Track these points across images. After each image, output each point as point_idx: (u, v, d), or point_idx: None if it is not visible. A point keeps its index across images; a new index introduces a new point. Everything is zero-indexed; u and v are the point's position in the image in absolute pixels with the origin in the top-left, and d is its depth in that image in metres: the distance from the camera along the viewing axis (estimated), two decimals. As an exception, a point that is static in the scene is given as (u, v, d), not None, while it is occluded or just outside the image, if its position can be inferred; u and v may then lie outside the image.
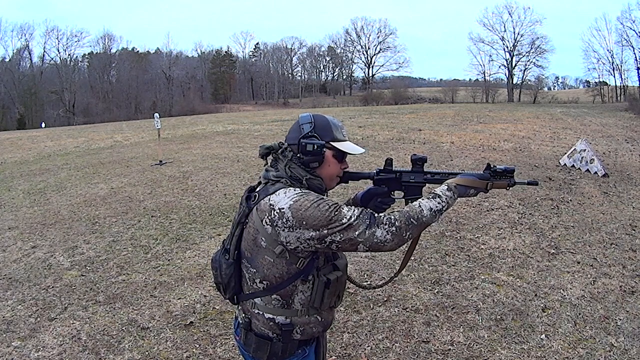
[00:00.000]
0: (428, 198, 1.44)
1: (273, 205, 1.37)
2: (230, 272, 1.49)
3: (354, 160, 9.08)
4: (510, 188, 1.61)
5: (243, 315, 1.52)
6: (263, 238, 1.40)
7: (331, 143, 1.49)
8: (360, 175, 1.67)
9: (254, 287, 1.47)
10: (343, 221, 1.33)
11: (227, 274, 1.50)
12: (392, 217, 1.37)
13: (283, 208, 1.35)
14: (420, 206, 1.41)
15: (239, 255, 1.49)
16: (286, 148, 1.49)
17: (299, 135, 1.47)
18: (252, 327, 1.49)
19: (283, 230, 1.35)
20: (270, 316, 1.45)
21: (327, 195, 1.52)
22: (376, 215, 1.38)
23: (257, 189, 1.48)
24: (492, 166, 1.59)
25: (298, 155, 1.46)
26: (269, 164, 1.53)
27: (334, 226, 1.32)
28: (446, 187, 1.49)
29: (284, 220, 1.34)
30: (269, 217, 1.37)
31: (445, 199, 1.45)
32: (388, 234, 1.34)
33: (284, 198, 1.37)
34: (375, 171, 1.67)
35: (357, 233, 1.33)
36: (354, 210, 1.36)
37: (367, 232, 1.33)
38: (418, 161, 1.64)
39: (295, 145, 1.47)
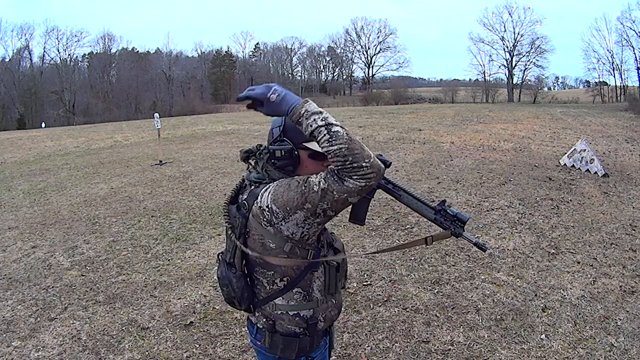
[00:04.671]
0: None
1: (262, 207, 1.38)
2: (242, 284, 1.50)
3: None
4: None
5: (264, 320, 1.51)
6: (270, 240, 1.40)
7: (304, 144, 1.42)
8: None
9: (273, 289, 1.48)
10: (314, 189, 1.29)
11: (239, 287, 1.50)
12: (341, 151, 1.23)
13: (269, 204, 1.37)
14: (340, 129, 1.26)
15: (248, 264, 1.51)
16: (263, 150, 1.48)
17: (271, 139, 1.47)
18: (276, 328, 1.49)
19: (280, 224, 1.36)
20: (295, 312, 1.48)
21: None
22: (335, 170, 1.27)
23: (245, 197, 1.46)
24: (446, 204, 1.48)
25: (272, 160, 1.44)
26: (252, 165, 1.53)
27: (312, 197, 1.29)
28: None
29: (275, 214, 1.36)
30: (265, 219, 1.38)
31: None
32: (356, 176, 1.24)
33: (265, 195, 1.38)
34: None
35: (335, 193, 1.26)
36: (320, 175, 1.30)
37: (342, 186, 1.24)
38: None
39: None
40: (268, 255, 1.43)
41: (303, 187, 1.31)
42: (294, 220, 1.35)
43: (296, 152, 1.42)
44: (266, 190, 1.40)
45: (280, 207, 1.34)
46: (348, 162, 1.22)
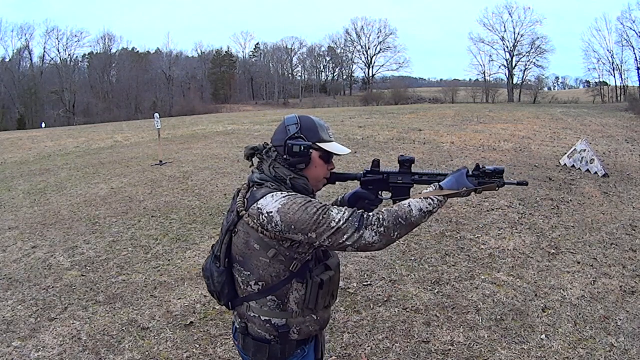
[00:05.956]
0: (420, 198, 1.41)
1: (261, 209, 1.37)
2: (223, 280, 1.49)
3: (353, 161, 9.08)
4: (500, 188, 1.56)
5: (239, 320, 1.52)
6: (254, 240, 1.40)
7: (317, 144, 1.48)
8: (347, 176, 1.66)
9: (248, 290, 1.47)
10: (332, 224, 1.32)
11: (219, 281, 1.50)
12: (381, 216, 1.34)
13: (271, 212, 1.35)
14: (409, 206, 1.38)
15: (230, 261, 1.49)
16: (270, 148, 1.49)
17: (285, 136, 1.46)
18: (249, 331, 1.49)
19: (272, 234, 1.36)
20: (266, 318, 1.46)
21: (314, 197, 1.51)
22: (365, 214, 1.35)
23: (247, 195, 1.46)
24: (481, 167, 1.54)
25: (284, 156, 1.45)
26: (254, 165, 1.53)
27: (322, 230, 1.32)
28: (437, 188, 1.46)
29: (273, 224, 1.35)
30: (258, 221, 1.37)
31: (437, 201, 1.42)
32: (376, 235, 1.32)
33: (271, 202, 1.36)
34: (362, 172, 1.66)
35: (345, 237, 1.32)
36: (344, 213, 1.34)
37: (355, 235, 1.31)
38: (405, 162, 1.61)
39: (281, 146, 1.46)
40: (250, 254, 1.42)
41: (321, 217, 1.32)
42: (291, 238, 1.36)
43: (311, 151, 1.45)
44: (272, 195, 1.38)
45: (284, 222, 1.33)
46: (395, 225, 1.34)
